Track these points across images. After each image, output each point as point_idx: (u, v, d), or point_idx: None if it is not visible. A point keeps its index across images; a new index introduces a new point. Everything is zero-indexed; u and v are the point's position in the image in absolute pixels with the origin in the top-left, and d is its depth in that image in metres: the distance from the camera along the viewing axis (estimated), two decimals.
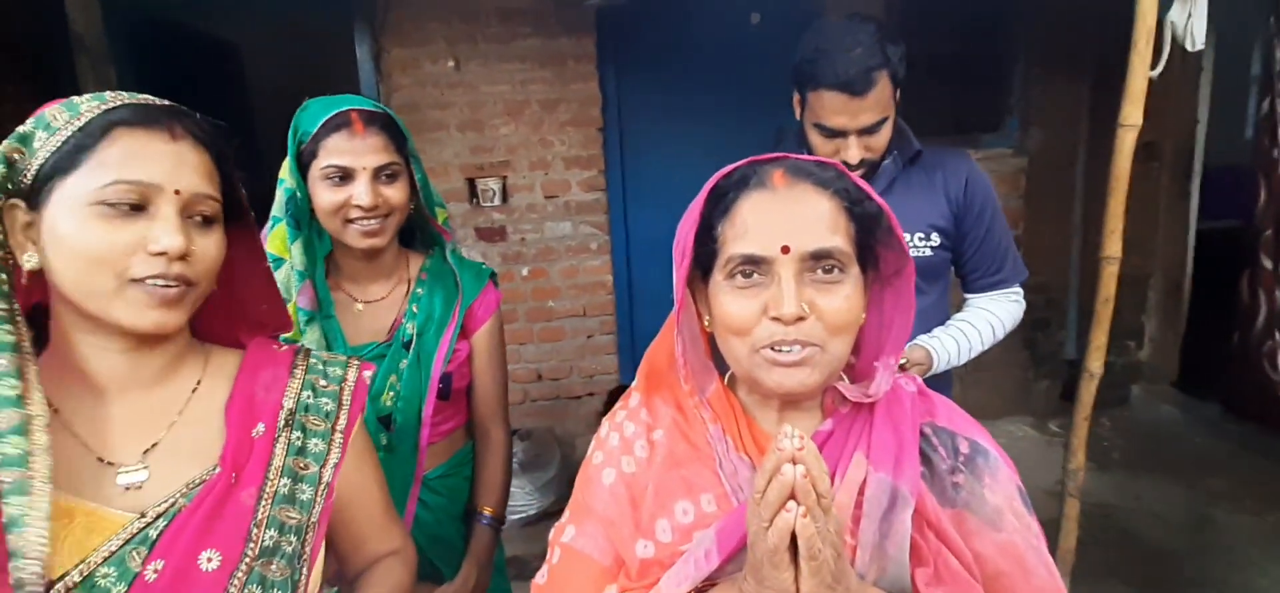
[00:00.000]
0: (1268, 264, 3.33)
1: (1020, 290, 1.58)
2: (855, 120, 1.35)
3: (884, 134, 1.39)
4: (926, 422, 0.79)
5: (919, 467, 0.75)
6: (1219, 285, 3.61)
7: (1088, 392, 1.76)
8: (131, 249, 0.70)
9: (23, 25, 2.50)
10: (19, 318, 0.70)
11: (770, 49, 3.37)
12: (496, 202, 3.41)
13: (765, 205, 0.74)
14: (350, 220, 1.20)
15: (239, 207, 0.81)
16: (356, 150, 1.18)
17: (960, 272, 1.58)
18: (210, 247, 0.75)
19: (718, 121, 3.47)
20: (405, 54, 3.23)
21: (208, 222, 0.75)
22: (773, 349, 0.72)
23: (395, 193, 1.23)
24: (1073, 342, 3.90)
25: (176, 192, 0.71)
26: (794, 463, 0.61)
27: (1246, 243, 3.41)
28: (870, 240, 0.77)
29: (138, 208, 0.70)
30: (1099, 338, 1.70)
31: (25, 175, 0.70)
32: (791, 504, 0.61)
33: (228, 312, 0.87)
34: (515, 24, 3.26)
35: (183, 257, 0.71)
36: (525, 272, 3.52)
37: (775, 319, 0.71)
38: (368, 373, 0.92)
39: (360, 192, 1.18)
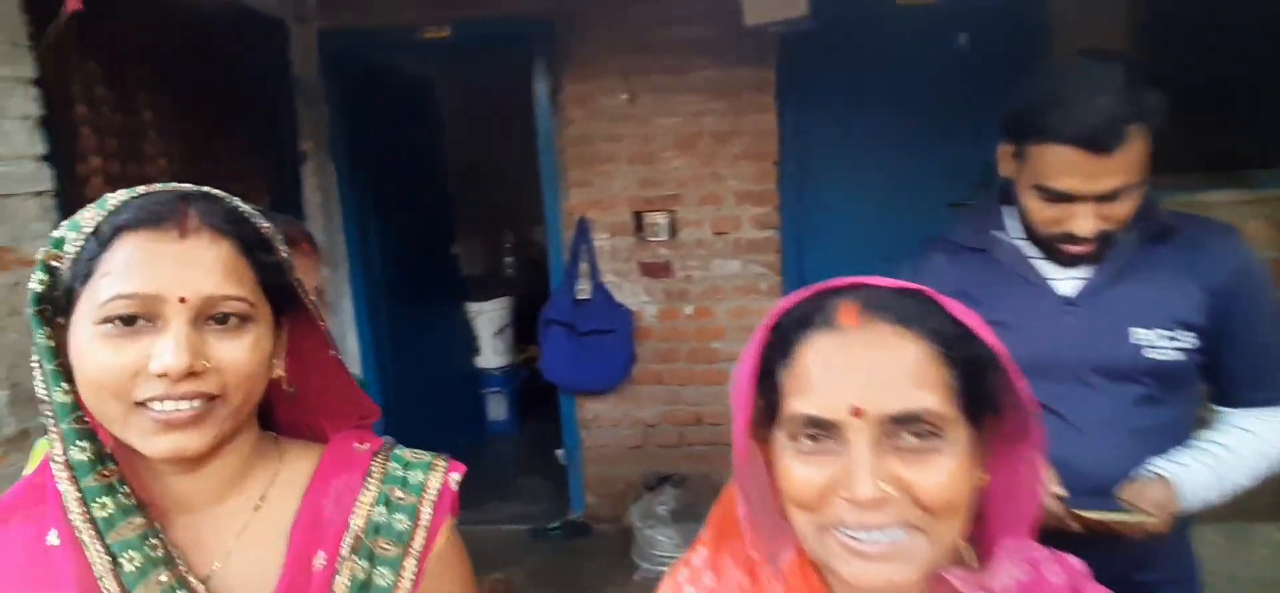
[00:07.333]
0: None
1: None
2: (1092, 184, 1.06)
3: (1128, 203, 1.08)
4: None
5: None
6: None
7: None
8: (134, 370, 0.60)
9: (248, 70, 2.78)
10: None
11: (979, 74, 2.97)
12: (663, 237, 3.32)
13: (832, 352, 0.59)
14: None
15: (289, 293, 0.71)
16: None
17: (1216, 381, 1.21)
18: (239, 352, 0.64)
19: (912, 156, 3.12)
20: (581, 88, 3.24)
21: (237, 320, 0.64)
22: (849, 534, 0.56)
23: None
24: None
25: (182, 299, 0.61)
26: None
27: None
28: (982, 387, 0.58)
29: (147, 319, 0.61)
30: None
31: (61, 285, 0.63)
32: None
33: (308, 401, 0.77)
34: (691, 54, 3.16)
35: (194, 373, 0.61)
36: (690, 310, 3.39)
37: (848, 499, 0.55)
38: (455, 476, 0.77)
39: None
